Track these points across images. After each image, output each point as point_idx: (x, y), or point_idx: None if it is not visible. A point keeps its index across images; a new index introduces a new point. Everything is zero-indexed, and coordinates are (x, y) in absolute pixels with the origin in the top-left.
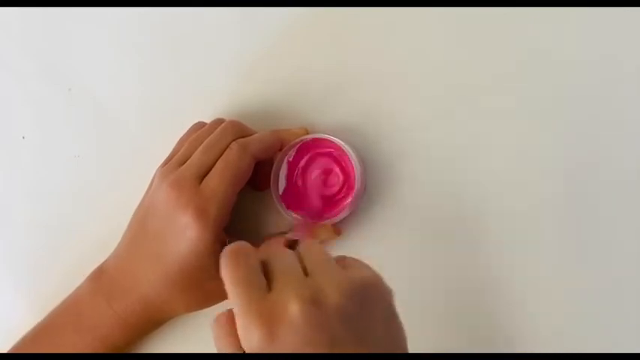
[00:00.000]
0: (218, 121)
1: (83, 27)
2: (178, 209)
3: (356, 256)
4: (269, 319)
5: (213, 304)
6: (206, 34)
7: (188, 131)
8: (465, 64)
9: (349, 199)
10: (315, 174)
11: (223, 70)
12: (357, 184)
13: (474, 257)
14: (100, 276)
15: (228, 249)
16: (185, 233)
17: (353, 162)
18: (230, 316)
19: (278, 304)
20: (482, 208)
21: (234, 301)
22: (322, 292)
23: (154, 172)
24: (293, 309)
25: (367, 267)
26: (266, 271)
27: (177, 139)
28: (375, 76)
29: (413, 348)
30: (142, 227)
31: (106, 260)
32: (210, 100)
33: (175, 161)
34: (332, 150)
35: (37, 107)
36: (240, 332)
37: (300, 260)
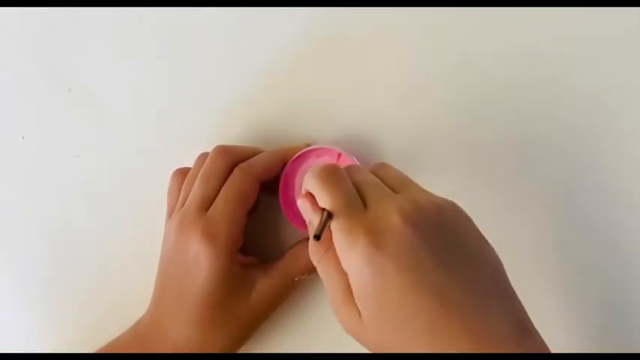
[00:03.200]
0: (203, 157)
1: (83, 27)
2: (188, 242)
3: None
4: (373, 232)
5: (251, 333)
6: (206, 33)
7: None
8: (470, 70)
9: None
10: None
11: (224, 69)
12: None
13: None
14: (134, 331)
15: (323, 171)
16: (199, 263)
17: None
18: (327, 237)
19: (380, 217)
20: (492, 216)
21: (335, 221)
22: (418, 203)
23: (153, 171)
24: (395, 220)
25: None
26: (357, 191)
27: (177, 139)
28: (373, 84)
29: None
30: (163, 278)
31: (141, 317)
32: (211, 99)
33: (177, 208)
34: (333, 158)
35: (37, 107)
36: (343, 247)
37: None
